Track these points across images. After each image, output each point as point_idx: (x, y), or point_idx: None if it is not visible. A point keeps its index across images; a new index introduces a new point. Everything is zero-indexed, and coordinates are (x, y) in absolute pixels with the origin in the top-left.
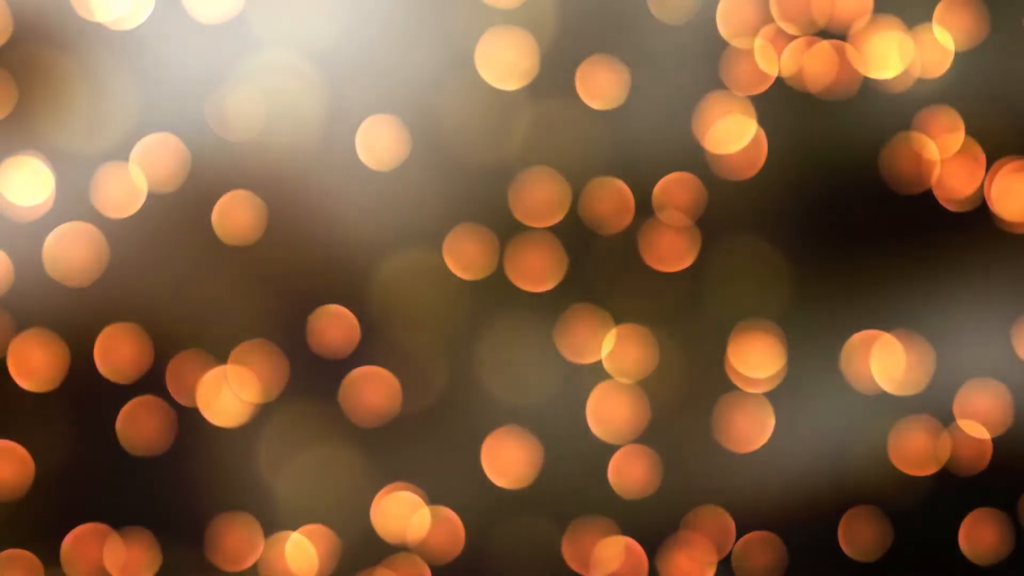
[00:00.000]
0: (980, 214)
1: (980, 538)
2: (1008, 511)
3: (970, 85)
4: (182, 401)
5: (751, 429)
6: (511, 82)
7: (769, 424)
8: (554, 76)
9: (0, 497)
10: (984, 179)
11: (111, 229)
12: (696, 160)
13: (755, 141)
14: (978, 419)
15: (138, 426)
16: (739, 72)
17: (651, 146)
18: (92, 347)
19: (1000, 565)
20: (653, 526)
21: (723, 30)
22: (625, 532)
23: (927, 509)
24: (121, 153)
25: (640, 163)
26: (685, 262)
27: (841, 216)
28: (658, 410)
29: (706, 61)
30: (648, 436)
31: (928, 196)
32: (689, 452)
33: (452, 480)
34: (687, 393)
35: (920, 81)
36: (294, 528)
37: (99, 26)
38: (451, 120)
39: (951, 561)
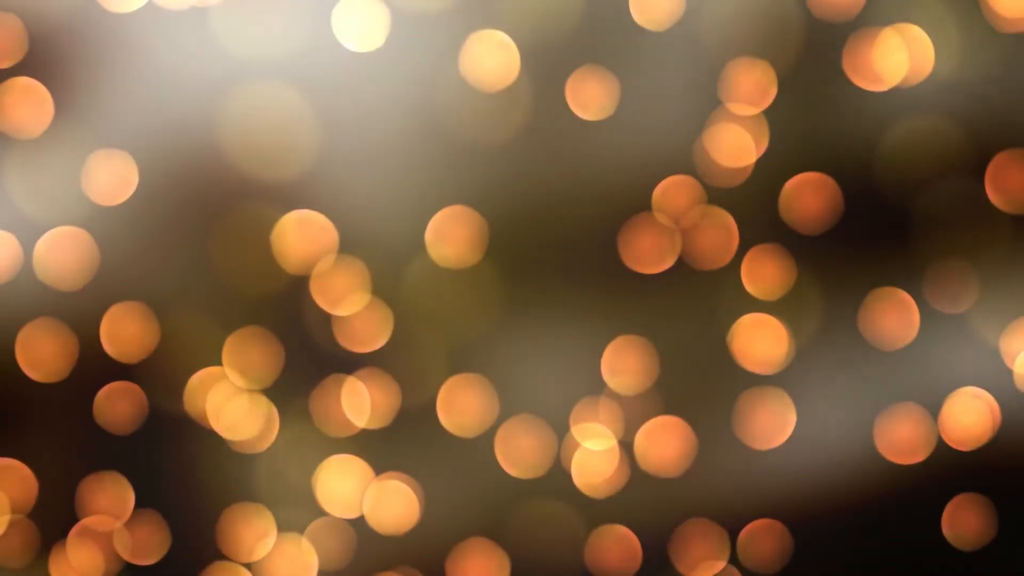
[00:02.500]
0: (979, 213)
1: (964, 524)
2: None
3: (968, 84)
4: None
5: (763, 423)
6: (499, 91)
7: (777, 418)
8: (540, 85)
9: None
10: (984, 179)
11: (105, 220)
12: (688, 165)
13: (746, 147)
14: (964, 419)
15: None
16: (728, 76)
17: (643, 151)
18: (98, 336)
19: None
20: (666, 515)
21: (712, 36)
22: (637, 521)
23: (912, 500)
24: (119, 143)
25: (631, 168)
26: (685, 262)
27: (839, 217)
28: (671, 405)
29: (694, 67)
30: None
31: (922, 195)
32: (701, 444)
33: (462, 473)
34: (693, 388)
35: (917, 79)
36: (301, 524)
37: (100, 8)
38: (442, 124)
39: (936, 551)
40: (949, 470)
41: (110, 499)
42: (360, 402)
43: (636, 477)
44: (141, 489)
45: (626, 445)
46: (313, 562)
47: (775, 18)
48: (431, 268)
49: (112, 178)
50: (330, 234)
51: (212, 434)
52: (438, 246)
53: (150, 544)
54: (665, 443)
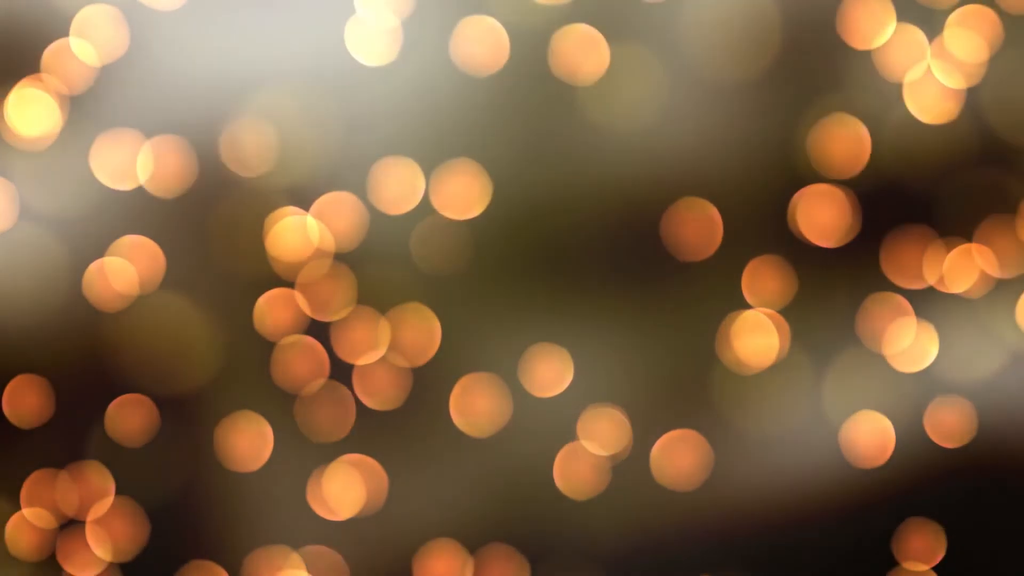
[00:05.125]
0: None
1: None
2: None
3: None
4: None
5: (761, 422)
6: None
7: (776, 417)
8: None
9: None
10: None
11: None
12: (677, 164)
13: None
14: (944, 428)
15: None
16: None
17: (640, 152)
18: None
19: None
20: (675, 514)
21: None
22: (644, 519)
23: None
24: (126, 142)
25: (629, 169)
26: (682, 262)
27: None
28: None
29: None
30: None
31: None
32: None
33: (467, 476)
34: (695, 389)
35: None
36: (302, 526)
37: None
38: (437, 120)
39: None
40: (940, 468)
41: (100, 495)
42: (350, 410)
43: (642, 477)
44: (134, 486)
45: (632, 446)
46: (315, 568)
47: (761, 21)
48: (429, 270)
49: (119, 175)
50: (326, 238)
51: (208, 435)
52: (435, 248)
53: (140, 542)
54: (677, 453)
